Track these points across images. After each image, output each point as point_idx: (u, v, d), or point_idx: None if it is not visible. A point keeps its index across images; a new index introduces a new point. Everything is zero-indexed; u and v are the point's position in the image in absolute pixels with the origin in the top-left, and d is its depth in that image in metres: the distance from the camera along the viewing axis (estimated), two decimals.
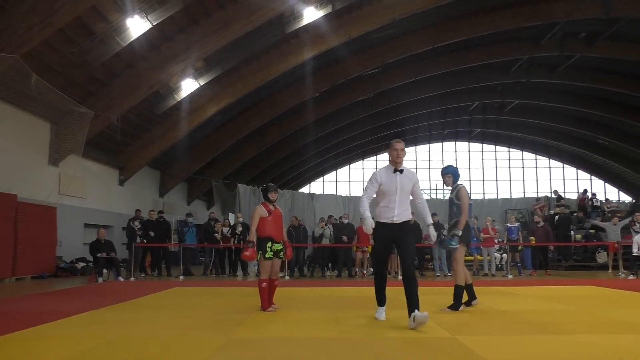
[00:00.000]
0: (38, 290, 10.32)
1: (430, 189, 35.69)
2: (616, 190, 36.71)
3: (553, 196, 22.01)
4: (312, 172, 37.14)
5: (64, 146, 14.89)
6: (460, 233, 6.70)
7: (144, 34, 13.88)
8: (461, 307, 6.71)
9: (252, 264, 14.40)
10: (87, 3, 12.02)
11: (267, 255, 6.71)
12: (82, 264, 14.95)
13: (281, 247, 6.89)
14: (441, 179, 7.19)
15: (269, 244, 6.73)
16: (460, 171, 7.28)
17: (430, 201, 24.05)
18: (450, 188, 7.12)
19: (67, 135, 14.81)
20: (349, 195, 29.73)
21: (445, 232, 6.88)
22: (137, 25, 13.52)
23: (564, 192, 35.10)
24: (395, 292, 9.52)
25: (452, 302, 6.73)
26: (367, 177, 37.28)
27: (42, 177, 14.61)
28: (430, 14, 17.80)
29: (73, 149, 14.89)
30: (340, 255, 14.80)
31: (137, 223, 14.43)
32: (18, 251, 12.65)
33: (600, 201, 21.49)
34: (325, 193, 32.33)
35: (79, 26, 12.94)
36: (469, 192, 7.01)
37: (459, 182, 7.02)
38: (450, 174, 7.03)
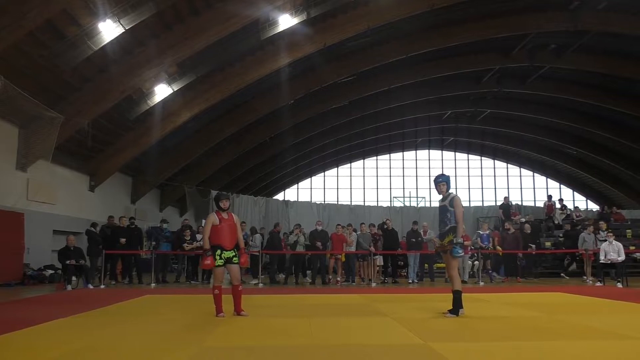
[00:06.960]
0: (4, 298, 10.02)
1: (404, 197, 35.97)
2: (584, 199, 37.58)
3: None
4: (287, 179, 37.10)
5: (32, 151, 14.53)
6: (462, 241, 6.90)
7: (117, 38, 13.67)
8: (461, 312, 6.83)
9: (226, 272, 14.26)
10: (58, 6, 11.80)
11: (217, 263, 6.79)
12: (50, 272, 14.59)
13: (233, 254, 6.91)
14: (434, 186, 7.27)
15: (218, 252, 6.79)
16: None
17: (404, 209, 24.32)
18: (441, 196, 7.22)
19: (36, 140, 14.46)
20: (323, 202, 29.76)
21: (437, 239, 7.00)
22: (109, 30, 13.31)
23: (534, 201, 35.89)
24: (369, 299, 9.57)
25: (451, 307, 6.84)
26: (342, 185, 37.08)
27: (9, 182, 14.25)
28: (404, 24, 17.99)
29: (42, 154, 14.56)
30: (315, 262, 14.80)
31: (93, 228, 13.95)
32: None
33: (566, 207, 21.78)
34: (299, 200, 32.33)
35: (49, 29, 12.68)
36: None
37: (451, 190, 7.15)
38: (444, 182, 7.17)
